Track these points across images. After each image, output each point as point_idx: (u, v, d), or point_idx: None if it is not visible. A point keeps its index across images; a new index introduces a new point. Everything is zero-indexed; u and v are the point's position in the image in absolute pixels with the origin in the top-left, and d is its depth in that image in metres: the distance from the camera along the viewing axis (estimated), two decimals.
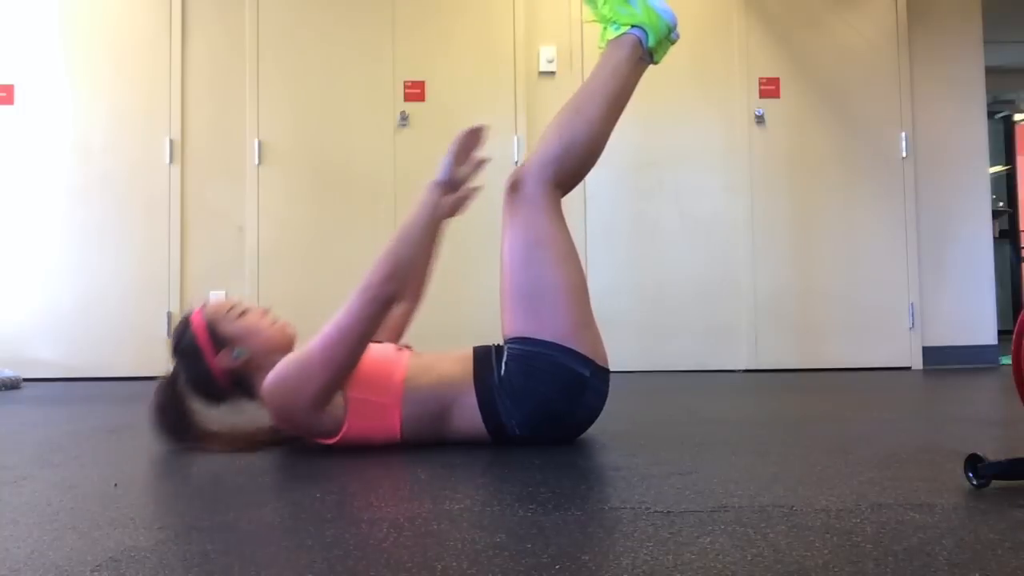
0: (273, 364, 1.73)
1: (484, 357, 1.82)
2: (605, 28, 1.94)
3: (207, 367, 1.81)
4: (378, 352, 1.83)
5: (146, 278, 4.26)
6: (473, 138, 1.89)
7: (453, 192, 1.85)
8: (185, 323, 1.86)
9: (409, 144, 4.30)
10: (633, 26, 1.91)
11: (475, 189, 2.05)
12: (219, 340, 1.82)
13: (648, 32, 1.90)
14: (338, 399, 1.74)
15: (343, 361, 1.68)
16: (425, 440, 1.79)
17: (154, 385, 1.89)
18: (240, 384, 1.84)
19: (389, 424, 1.76)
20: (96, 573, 0.95)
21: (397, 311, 2.13)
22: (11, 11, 4.32)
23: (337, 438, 1.75)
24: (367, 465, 1.65)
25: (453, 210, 2.04)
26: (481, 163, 1.90)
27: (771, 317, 4.33)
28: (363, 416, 1.75)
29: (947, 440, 1.92)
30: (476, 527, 1.14)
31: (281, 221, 4.27)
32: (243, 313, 1.86)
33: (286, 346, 1.85)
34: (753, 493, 1.32)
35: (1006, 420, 2.32)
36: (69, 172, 4.29)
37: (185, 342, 1.84)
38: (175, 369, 1.86)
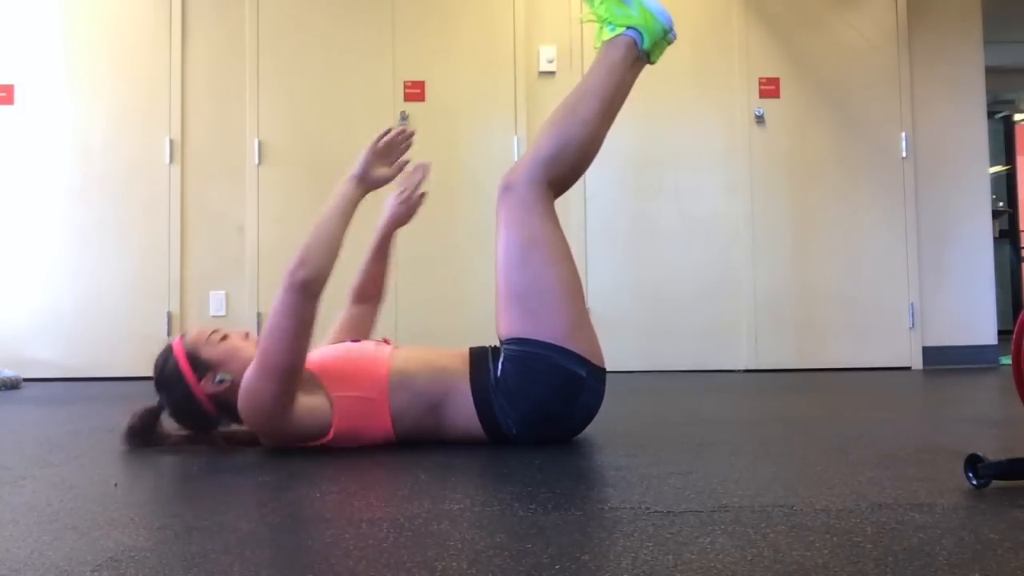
0: None
1: (480, 357, 1.82)
2: (601, 28, 1.93)
3: (192, 394, 1.78)
4: (358, 349, 1.83)
5: (146, 278, 4.26)
6: (399, 139, 1.89)
7: (370, 188, 1.85)
8: (166, 353, 1.83)
9: None
10: (628, 27, 1.90)
11: (421, 195, 2.11)
12: (201, 366, 1.79)
13: (643, 34, 1.90)
14: (322, 400, 1.73)
15: (283, 362, 1.65)
16: (420, 435, 1.79)
17: (130, 415, 1.87)
18: (226, 408, 1.80)
19: (379, 419, 1.76)
20: (96, 573, 0.95)
21: (357, 311, 2.13)
22: (11, 11, 4.32)
23: (328, 438, 1.74)
24: (367, 465, 1.65)
25: (402, 219, 2.12)
26: (403, 166, 1.92)
27: (771, 317, 4.33)
28: (351, 413, 1.74)
29: (947, 440, 1.92)
30: (476, 527, 1.14)
31: (281, 221, 4.27)
32: (224, 338, 1.83)
33: None
34: (753, 493, 1.32)
35: (1006, 420, 2.32)
36: (69, 172, 4.29)
37: (167, 371, 1.80)
38: (159, 402, 1.84)
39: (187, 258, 4.28)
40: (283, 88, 4.34)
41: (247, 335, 1.88)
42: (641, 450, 1.77)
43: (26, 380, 3.90)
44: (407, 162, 1.94)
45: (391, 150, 1.89)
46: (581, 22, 1.88)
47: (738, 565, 0.95)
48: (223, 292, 4.27)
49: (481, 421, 1.78)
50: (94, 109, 4.31)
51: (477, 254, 4.10)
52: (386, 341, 1.93)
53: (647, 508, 1.22)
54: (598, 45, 1.94)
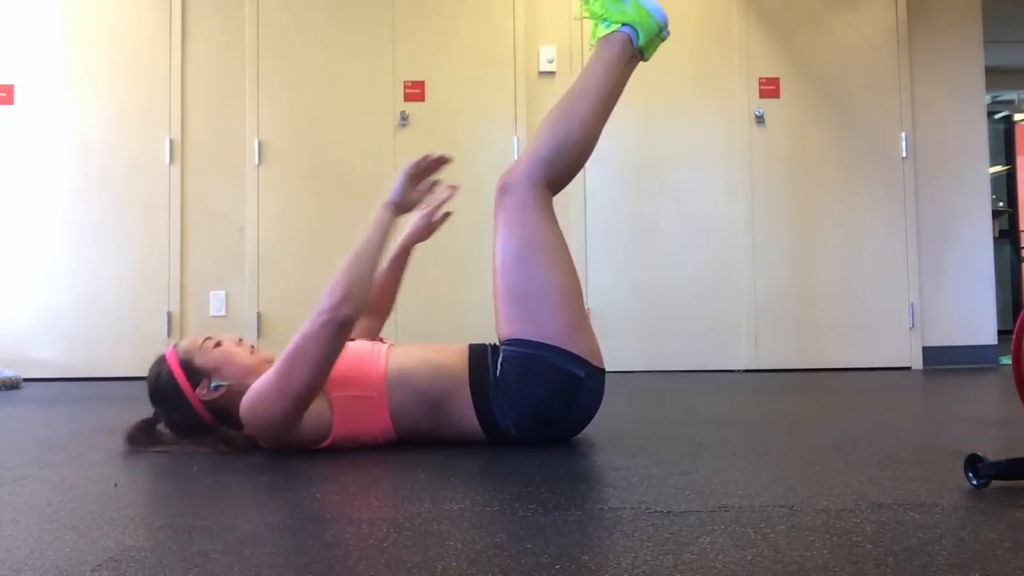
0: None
1: (480, 356, 1.81)
2: (596, 25, 1.93)
3: (188, 403, 1.78)
4: (354, 349, 1.81)
5: (146, 278, 4.26)
6: (434, 165, 1.90)
7: (403, 212, 1.87)
8: (160, 363, 1.83)
9: (409, 144, 4.29)
10: (624, 24, 1.90)
11: (446, 215, 2.12)
12: (196, 374, 1.78)
13: (639, 31, 1.90)
14: (322, 403, 1.72)
15: (302, 386, 1.64)
16: (419, 433, 1.79)
17: (127, 428, 1.86)
18: (223, 415, 1.79)
19: (378, 417, 1.75)
20: (96, 573, 0.95)
21: (364, 324, 2.12)
22: (11, 11, 4.32)
23: (328, 441, 1.74)
24: (367, 465, 1.65)
25: (423, 235, 2.13)
26: (434, 186, 1.93)
27: (771, 317, 4.33)
28: (350, 413, 1.74)
29: (947, 440, 1.92)
30: (476, 527, 1.14)
31: (281, 221, 4.27)
32: (217, 344, 1.83)
33: (263, 371, 1.79)
34: (753, 493, 1.32)
35: (1006, 420, 2.32)
36: (69, 172, 4.29)
37: (162, 381, 1.80)
38: (154, 413, 1.84)
39: (187, 258, 4.28)
40: (283, 88, 4.34)
41: (240, 341, 1.87)
42: (641, 450, 1.77)
43: (26, 380, 3.90)
44: (437, 183, 1.94)
45: (425, 174, 1.90)
46: (577, 18, 1.88)
47: (738, 565, 0.95)
48: (223, 292, 4.27)
49: (480, 421, 1.78)
50: (94, 109, 4.31)
51: (476, 254, 4.09)
52: (381, 340, 1.93)
53: (647, 508, 1.22)
54: (593, 42, 1.94)
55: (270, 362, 1.79)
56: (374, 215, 1.81)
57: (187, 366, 1.79)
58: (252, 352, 1.85)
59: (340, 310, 1.65)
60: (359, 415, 1.75)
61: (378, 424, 1.76)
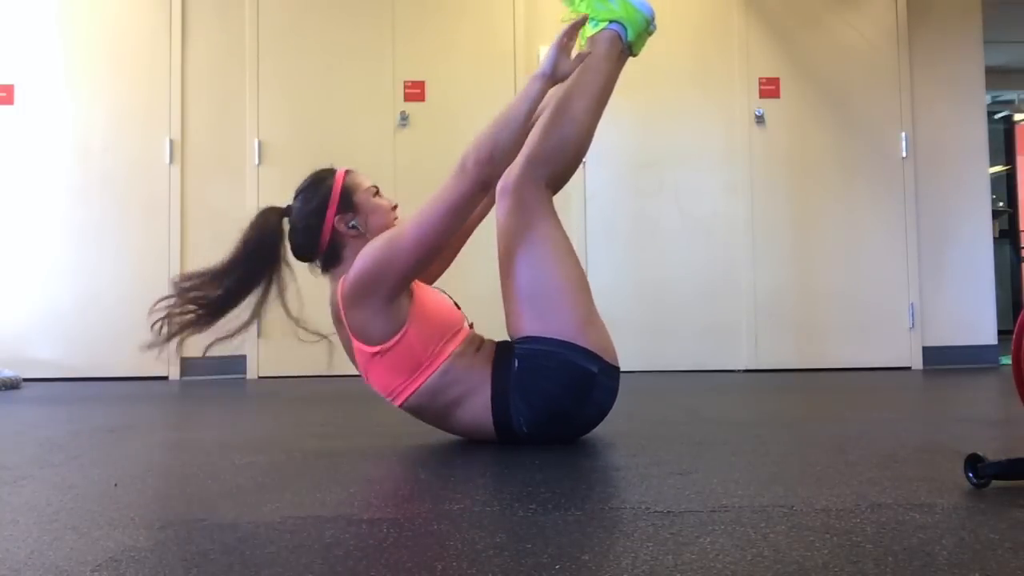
0: None
1: (504, 353, 1.82)
2: (584, 26, 1.94)
3: (322, 218, 1.81)
4: (450, 312, 1.84)
5: (146, 278, 4.25)
6: (574, 32, 1.83)
7: (556, 83, 1.81)
8: (328, 173, 1.87)
9: (409, 144, 4.29)
10: (612, 21, 1.91)
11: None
12: (347, 203, 1.83)
13: (627, 27, 1.91)
14: (403, 315, 1.74)
15: (434, 237, 1.71)
16: (429, 415, 1.80)
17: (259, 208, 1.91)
18: (334, 250, 1.83)
19: (411, 380, 1.76)
20: (96, 573, 0.95)
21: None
22: (11, 11, 4.31)
23: (376, 348, 1.75)
24: (367, 465, 1.65)
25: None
26: (582, 58, 1.84)
27: (771, 317, 4.32)
28: (403, 354, 1.75)
29: (947, 440, 1.92)
30: (476, 527, 1.14)
31: None
32: (377, 193, 1.89)
33: None
34: (753, 493, 1.32)
35: (1006, 420, 2.32)
36: (69, 172, 4.28)
37: (320, 187, 1.84)
38: (294, 201, 1.86)
39: (187, 258, 4.27)
40: (283, 88, 4.34)
41: (396, 207, 1.91)
42: (641, 450, 1.77)
43: (26, 380, 3.90)
44: (586, 54, 1.86)
45: (571, 44, 1.83)
46: (562, 21, 1.88)
47: (738, 565, 0.95)
48: None
49: (495, 419, 1.78)
50: (94, 109, 4.31)
51: (477, 254, 4.08)
52: (471, 326, 1.91)
53: (647, 508, 1.22)
54: (583, 41, 1.95)
55: None
56: (527, 86, 1.78)
57: (346, 192, 1.84)
58: (395, 219, 1.88)
59: (483, 169, 1.71)
60: (401, 364, 1.76)
61: (406, 383, 1.77)
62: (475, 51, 4.38)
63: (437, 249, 1.74)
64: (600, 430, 1.95)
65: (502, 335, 1.88)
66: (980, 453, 1.34)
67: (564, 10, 1.99)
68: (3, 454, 1.85)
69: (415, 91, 4.34)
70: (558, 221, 1.88)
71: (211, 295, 1.82)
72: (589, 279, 1.91)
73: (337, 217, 1.82)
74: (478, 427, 1.79)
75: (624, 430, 2.08)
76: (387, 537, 1.08)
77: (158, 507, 1.35)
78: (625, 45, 1.92)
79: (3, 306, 4.22)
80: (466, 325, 1.87)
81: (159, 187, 4.29)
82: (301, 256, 1.86)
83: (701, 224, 4.37)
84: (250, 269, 1.84)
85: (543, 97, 1.80)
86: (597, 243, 4.31)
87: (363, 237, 1.81)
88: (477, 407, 1.78)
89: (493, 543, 1.05)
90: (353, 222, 1.82)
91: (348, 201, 1.83)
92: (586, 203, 4.32)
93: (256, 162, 4.29)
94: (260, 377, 4.14)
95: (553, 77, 1.79)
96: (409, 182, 4.24)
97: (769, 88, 4.40)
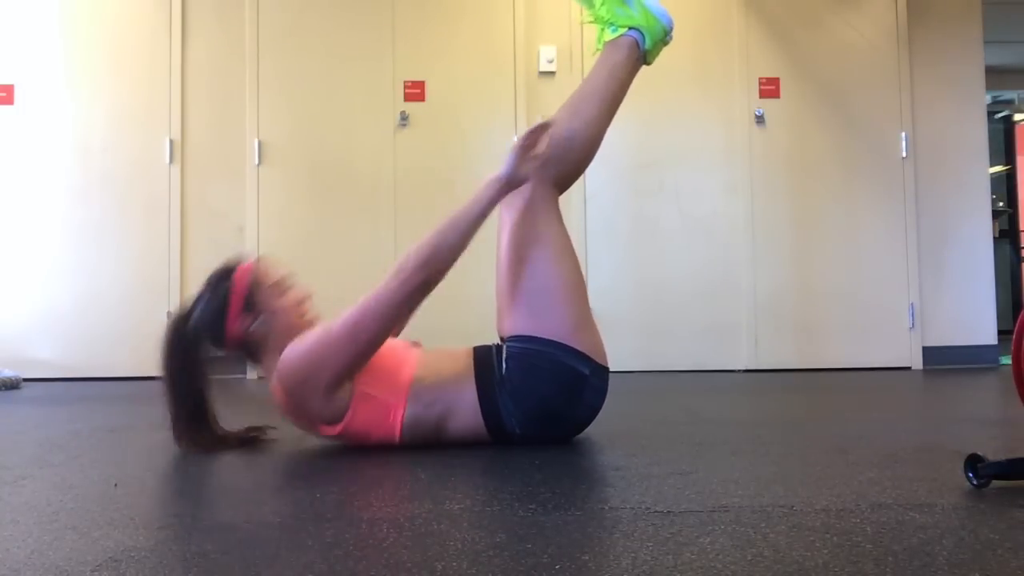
0: (282, 348, 1.71)
1: (485, 356, 1.82)
2: (602, 30, 1.95)
3: (224, 320, 1.77)
4: (390, 347, 1.81)
5: (146, 278, 4.26)
6: (536, 134, 1.80)
7: (513, 188, 1.79)
8: (232, 269, 1.82)
9: (409, 144, 4.29)
10: (631, 28, 1.92)
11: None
12: (250, 304, 1.78)
13: (645, 34, 1.92)
14: (346, 388, 1.72)
15: (366, 341, 1.68)
16: (423, 440, 1.79)
17: (167, 321, 1.84)
18: (248, 349, 1.80)
19: (390, 423, 1.75)
20: (96, 573, 0.95)
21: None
22: (11, 11, 4.31)
23: (339, 428, 1.73)
24: (367, 465, 1.65)
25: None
26: (538, 159, 1.81)
27: (771, 317, 4.32)
28: (367, 410, 1.74)
29: (947, 440, 1.92)
30: (476, 527, 1.14)
31: (281, 221, 4.27)
32: (285, 292, 1.82)
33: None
34: (753, 493, 1.32)
35: (1006, 420, 2.32)
36: (69, 172, 4.29)
37: (221, 285, 1.79)
38: (196, 297, 1.82)
39: (187, 258, 4.28)
40: (283, 88, 4.34)
41: (306, 300, 1.84)
42: (641, 450, 1.77)
43: (26, 380, 3.90)
44: (544, 156, 1.82)
45: (534, 144, 1.80)
46: (583, 23, 1.88)
47: (738, 565, 0.95)
48: None
49: (486, 422, 1.78)
50: (94, 109, 4.31)
51: (478, 253, 4.08)
52: (417, 344, 1.92)
53: (647, 508, 1.22)
54: (600, 47, 1.95)
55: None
56: (479, 190, 1.75)
57: (250, 292, 1.78)
58: (304, 317, 1.82)
59: (419, 274, 1.68)
60: (373, 417, 1.75)
61: (388, 427, 1.76)
62: (475, 51, 4.38)
63: (374, 347, 1.70)
64: (599, 430, 1.95)
65: (492, 337, 1.88)
66: (980, 453, 1.34)
67: (584, 12, 1.99)
68: (3, 454, 1.85)
69: (415, 91, 4.34)
70: (562, 222, 1.89)
71: (182, 412, 1.80)
72: (589, 279, 1.92)
73: (241, 318, 1.77)
74: (473, 433, 1.79)
75: (624, 430, 2.08)
76: (387, 537, 1.08)
77: (158, 507, 1.35)
78: (641, 53, 1.93)
79: (3, 306, 4.22)
80: (410, 346, 1.86)
81: (159, 187, 4.29)
82: (214, 349, 1.81)
83: (701, 224, 4.37)
84: (191, 388, 1.80)
85: (497, 202, 1.77)
86: (597, 243, 4.31)
87: (270, 339, 1.76)
88: (466, 415, 1.77)
89: (493, 543, 1.05)
90: (257, 322, 1.77)
91: (251, 302, 1.78)
92: (586, 203, 4.32)
93: (256, 162, 4.29)
94: (260, 377, 4.14)
95: (510, 183, 1.77)
96: (409, 182, 4.24)
97: (769, 88, 4.40)
